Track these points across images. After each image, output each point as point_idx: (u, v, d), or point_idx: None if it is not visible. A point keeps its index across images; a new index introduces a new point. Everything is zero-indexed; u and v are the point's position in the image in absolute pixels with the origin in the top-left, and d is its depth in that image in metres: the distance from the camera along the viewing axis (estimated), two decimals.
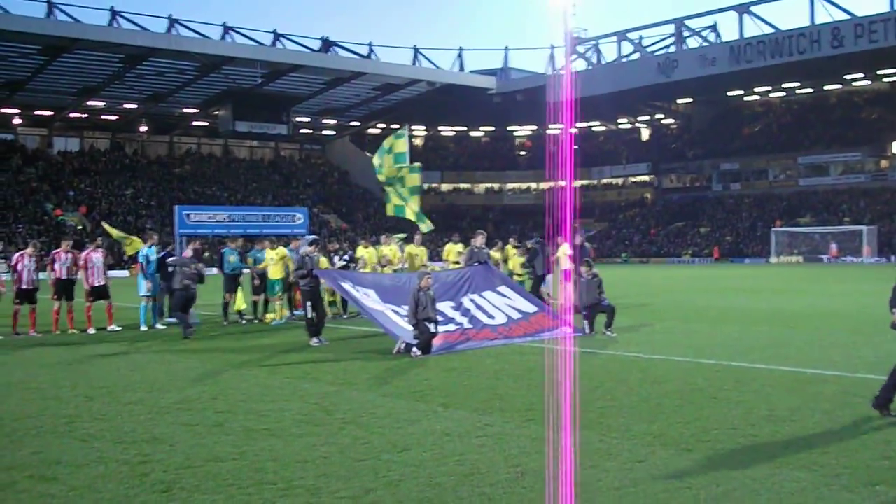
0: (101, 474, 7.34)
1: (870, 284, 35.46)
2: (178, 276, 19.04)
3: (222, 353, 15.84)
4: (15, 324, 19.16)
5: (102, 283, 20.21)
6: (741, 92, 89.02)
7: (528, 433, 8.58)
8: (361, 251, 23.17)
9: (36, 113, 77.09)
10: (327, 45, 75.92)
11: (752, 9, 70.65)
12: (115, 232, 23.64)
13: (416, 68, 79.54)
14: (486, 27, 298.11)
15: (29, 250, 19.81)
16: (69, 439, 8.71)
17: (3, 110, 75.27)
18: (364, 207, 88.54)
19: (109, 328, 19.91)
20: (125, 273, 41.70)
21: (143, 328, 20.21)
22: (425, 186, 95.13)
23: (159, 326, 20.59)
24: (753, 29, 70.58)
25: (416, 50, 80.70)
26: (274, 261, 21.40)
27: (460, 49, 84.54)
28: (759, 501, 6.26)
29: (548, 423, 8.90)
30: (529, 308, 17.90)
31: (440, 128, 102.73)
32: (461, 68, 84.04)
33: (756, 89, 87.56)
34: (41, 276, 20.22)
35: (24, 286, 19.28)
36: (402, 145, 21.98)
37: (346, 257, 21.68)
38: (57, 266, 19.83)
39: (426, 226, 22.63)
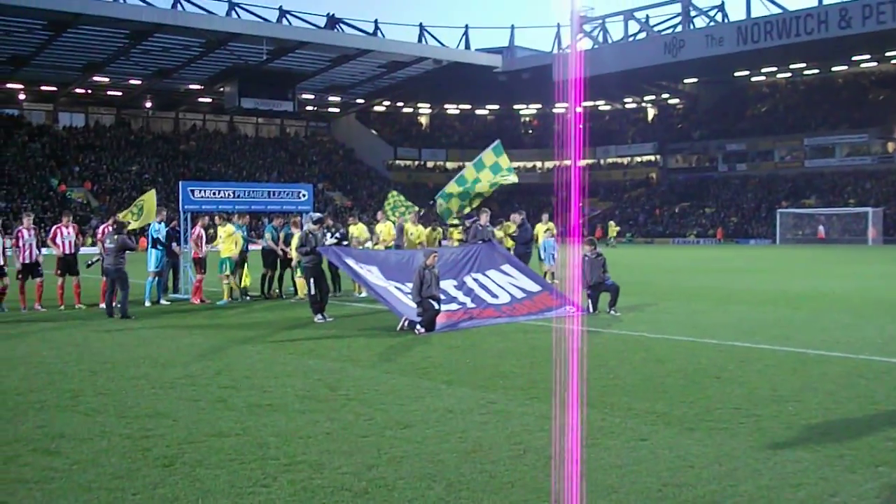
0: (104, 448, 7.35)
1: (875, 266, 35.43)
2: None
3: (226, 329, 15.86)
4: (23, 299, 19.18)
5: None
6: (748, 72, 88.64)
7: (531, 411, 8.58)
8: (351, 228, 23.18)
9: (41, 88, 76.98)
10: (333, 21, 75.64)
11: None
12: (149, 202, 23.42)
13: (421, 46, 79.23)
14: (492, 5, 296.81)
15: (26, 222, 19.79)
16: (73, 413, 8.73)
17: (9, 85, 75.18)
18: (369, 185, 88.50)
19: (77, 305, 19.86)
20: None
21: (147, 304, 20.21)
22: (430, 164, 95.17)
23: (163, 302, 20.62)
24: (761, 9, 70.30)
25: (422, 27, 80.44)
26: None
27: (466, 27, 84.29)
28: (761, 481, 6.26)
29: (551, 401, 8.91)
30: (533, 287, 17.89)
31: (446, 106, 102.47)
32: (467, 46, 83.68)
33: (763, 70, 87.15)
34: (45, 250, 20.24)
35: (25, 260, 19.28)
36: (506, 160, 21.72)
37: (338, 234, 21.58)
38: (59, 241, 19.81)
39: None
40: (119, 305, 17.74)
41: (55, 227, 20.55)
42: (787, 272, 32.21)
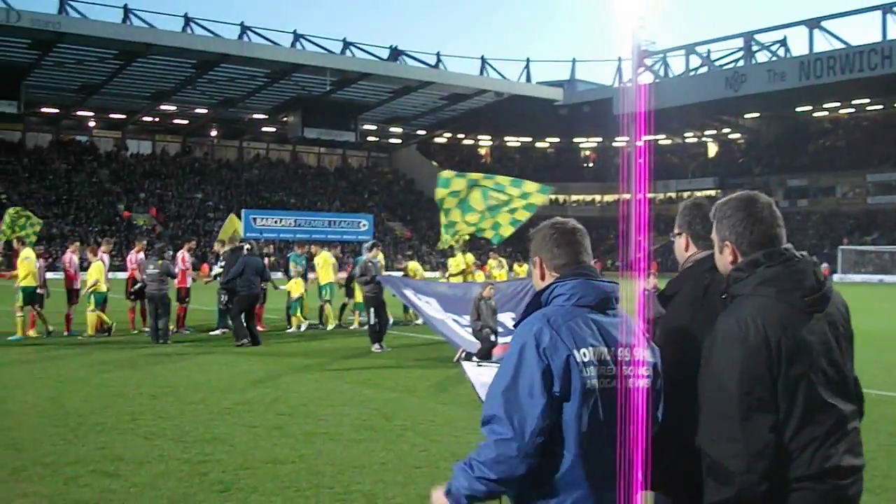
0: (162, 472, 7.44)
1: None
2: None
3: (284, 357, 15.98)
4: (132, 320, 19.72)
5: (189, 284, 20.69)
6: (810, 107, 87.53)
7: None
8: (318, 258, 22.29)
9: (110, 116, 78.43)
10: (396, 53, 76.17)
11: (823, 24, 69.51)
12: (231, 224, 23.78)
13: (483, 78, 79.45)
14: (553, 39, 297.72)
15: (104, 247, 20.50)
16: (132, 436, 8.86)
17: (80, 113, 76.74)
18: (429, 216, 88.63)
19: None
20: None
21: (219, 331, 20.35)
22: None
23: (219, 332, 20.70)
24: (824, 44, 69.40)
25: (483, 60, 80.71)
26: (320, 265, 21.41)
27: (528, 60, 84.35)
28: None
29: None
30: None
31: (506, 138, 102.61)
32: (528, 79, 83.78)
33: (825, 105, 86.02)
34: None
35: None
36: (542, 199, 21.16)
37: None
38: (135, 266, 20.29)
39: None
40: (161, 331, 18.03)
41: (133, 252, 20.93)
42: (851, 310, 31.58)
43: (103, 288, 19.16)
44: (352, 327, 21.66)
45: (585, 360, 3.00)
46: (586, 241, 3.37)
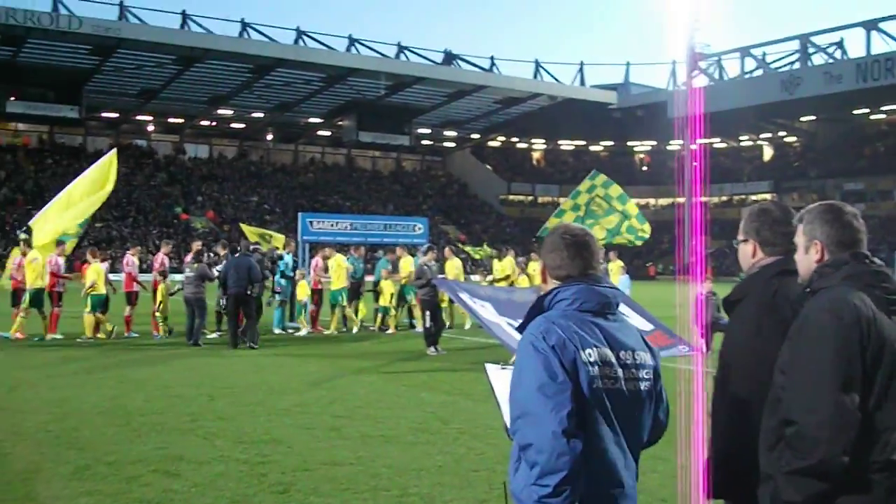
0: (222, 472, 7.53)
1: None
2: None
3: (341, 359, 16.09)
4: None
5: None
6: (867, 110, 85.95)
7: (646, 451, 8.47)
8: (331, 262, 21.74)
9: (168, 120, 79.51)
10: (450, 57, 76.29)
11: (881, 25, 68.36)
12: (252, 231, 24.22)
13: (537, 82, 79.31)
14: (607, 42, 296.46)
15: (164, 250, 20.93)
16: (192, 437, 8.97)
17: (138, 117, 77.90)
18: (483, 219, 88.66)
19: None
20: None
21: (277, 331, 20.62)
22: (543, 200, 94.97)
23: (277, 331, 20.89)
24: (881, 45, 68.19)
25: (537, 64, 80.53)
26: (333, 269, 21.26)
27: (581, 63, 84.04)
28: None
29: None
30: (646, 326, 17.55)
31: (559, 142, 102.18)
32: (582, 83, 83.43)
33: (882, 108, 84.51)
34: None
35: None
36: (616, 189, 21.82)
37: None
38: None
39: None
40: (195, 333, 18.21)
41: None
42: None
43: (102, 290, 18.92)
44: (389, 331, 21.65)
45: (591, 360, 3.04)
46: (597, 250, 3.35)
